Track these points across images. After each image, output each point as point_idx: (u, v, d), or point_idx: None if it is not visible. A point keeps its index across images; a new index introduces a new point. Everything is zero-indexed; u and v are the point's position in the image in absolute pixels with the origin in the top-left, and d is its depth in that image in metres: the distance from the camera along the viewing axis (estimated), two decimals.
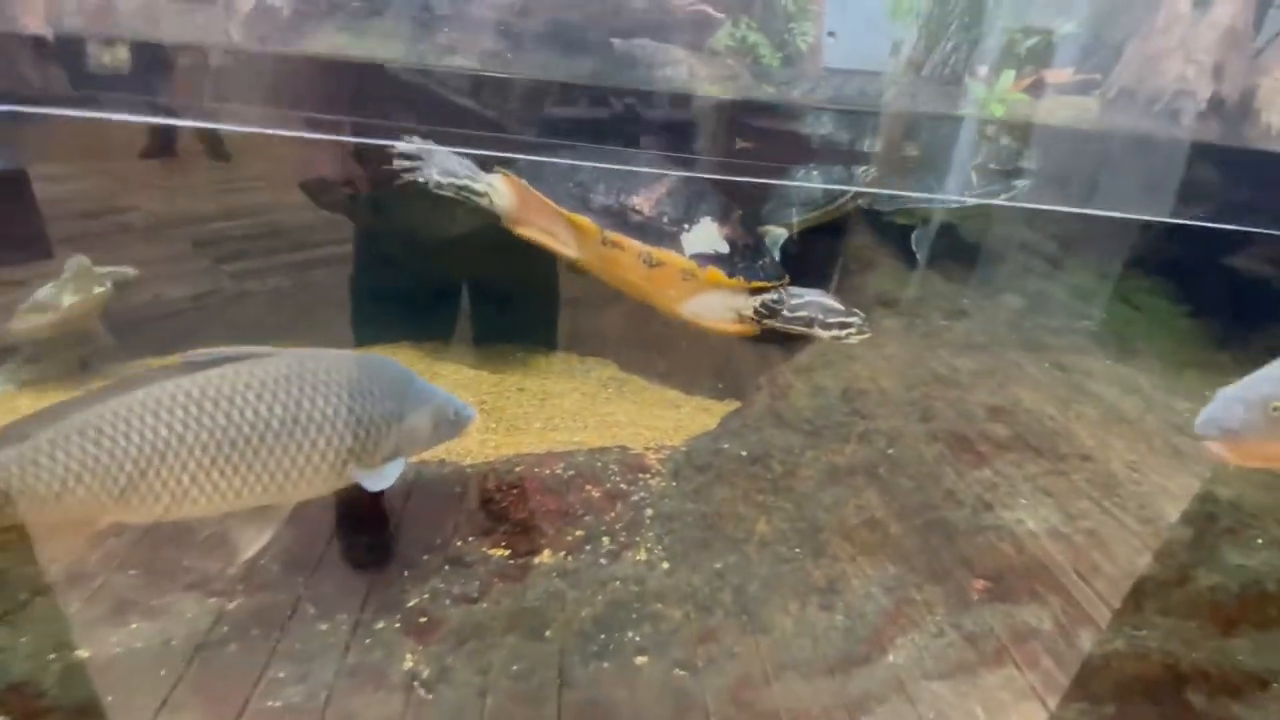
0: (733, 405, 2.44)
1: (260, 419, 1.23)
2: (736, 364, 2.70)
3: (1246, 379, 1.07)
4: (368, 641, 1.51)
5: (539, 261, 2.75)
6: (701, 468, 1.91)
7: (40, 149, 2.41)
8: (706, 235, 1.35)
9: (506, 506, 1.75)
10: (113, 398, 1.19)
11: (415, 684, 1.45)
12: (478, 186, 1.51)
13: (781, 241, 2.23)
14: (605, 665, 1.52)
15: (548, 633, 1.55)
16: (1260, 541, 1.35)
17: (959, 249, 2.58)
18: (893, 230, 2.57)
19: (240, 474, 1.24)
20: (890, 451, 1.76)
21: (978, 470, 1.73)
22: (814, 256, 2.41)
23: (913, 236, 2.48)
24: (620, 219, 1.36)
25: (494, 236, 2.72)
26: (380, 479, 1.36)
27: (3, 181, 2.32)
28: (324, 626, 1.54)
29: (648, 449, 2.06)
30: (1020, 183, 2.44)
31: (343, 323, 2.63)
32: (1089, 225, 2.43)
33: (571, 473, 1.84)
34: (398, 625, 1.55)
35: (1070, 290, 2.43)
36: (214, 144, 2.67)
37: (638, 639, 1.57)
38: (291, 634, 1.51)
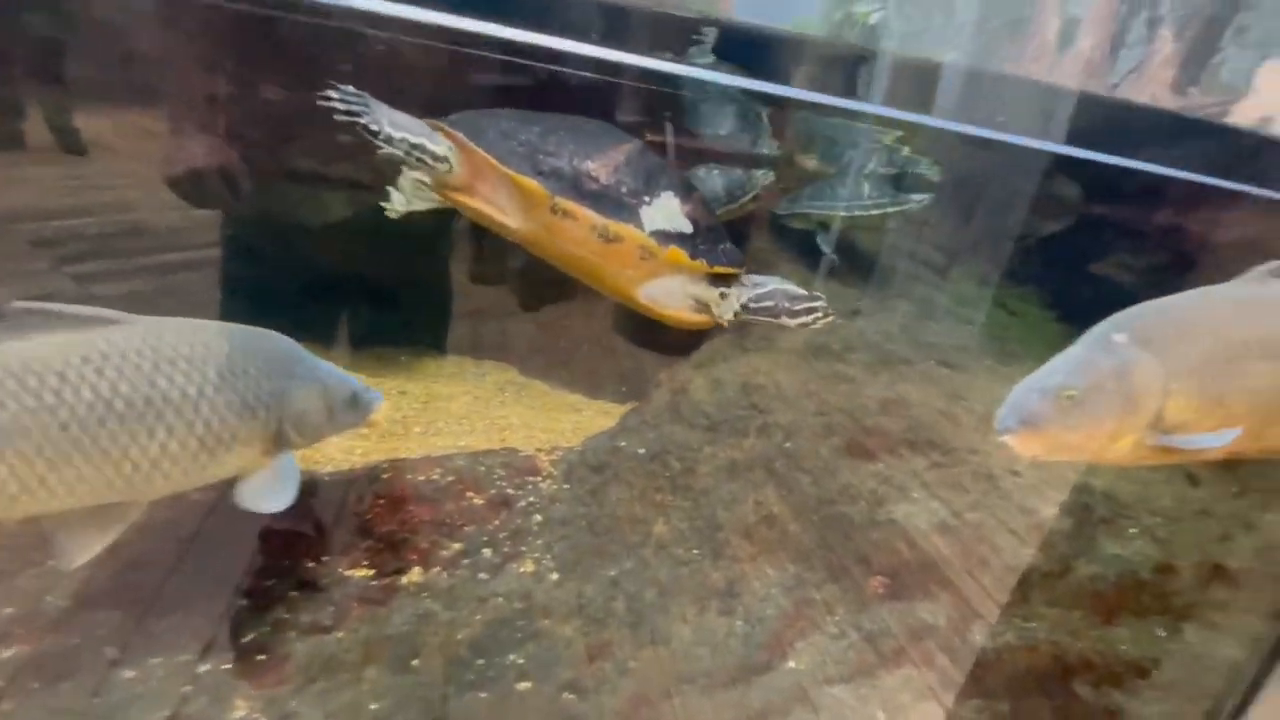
0: (629, 405, 2.33)
1: (99, 399, 1.01)
2: (644, 368, 2.61)
3: (1038, 371, 1.07)
4: (187, 690, 1.24)
5: (429, 256, 2.52)
6: (597, 468, 1.77)
7: None
8: (668, 211, 1.18)
9: (370, 519, 1.52)
10: None
11: None
12: (436, 148, 1.23)
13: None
14: (483, 695, 1.34)
15: (415, 662, 1.35)
16: (1133, 531, 1.40)
17: (853, 254, 2.63)
18: (789, 233, 2.58)
19: (73, 466, 1.00)
20: (787, 445, 1.71)
21: (871, 464, 1.71)
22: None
23: (818, 239, 2.49)
24: (573, 185, 1.15)
25: (374, 225, 2.46)
26: (274, 493, 1.15)
27: None
28: (130, 674, 1.25)
29: (539, 451, 1.89)
30: (917, 196, 2.52)
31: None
32: (971, 236, 2.54)
33: (450, 479, 1.64)
34: (228, 667, 1.28)
35: (954, 296, 2.53)
36: (66, 136, 2.27)
37: (521, 661, 1.40)
38: (85, 686, 1.22)
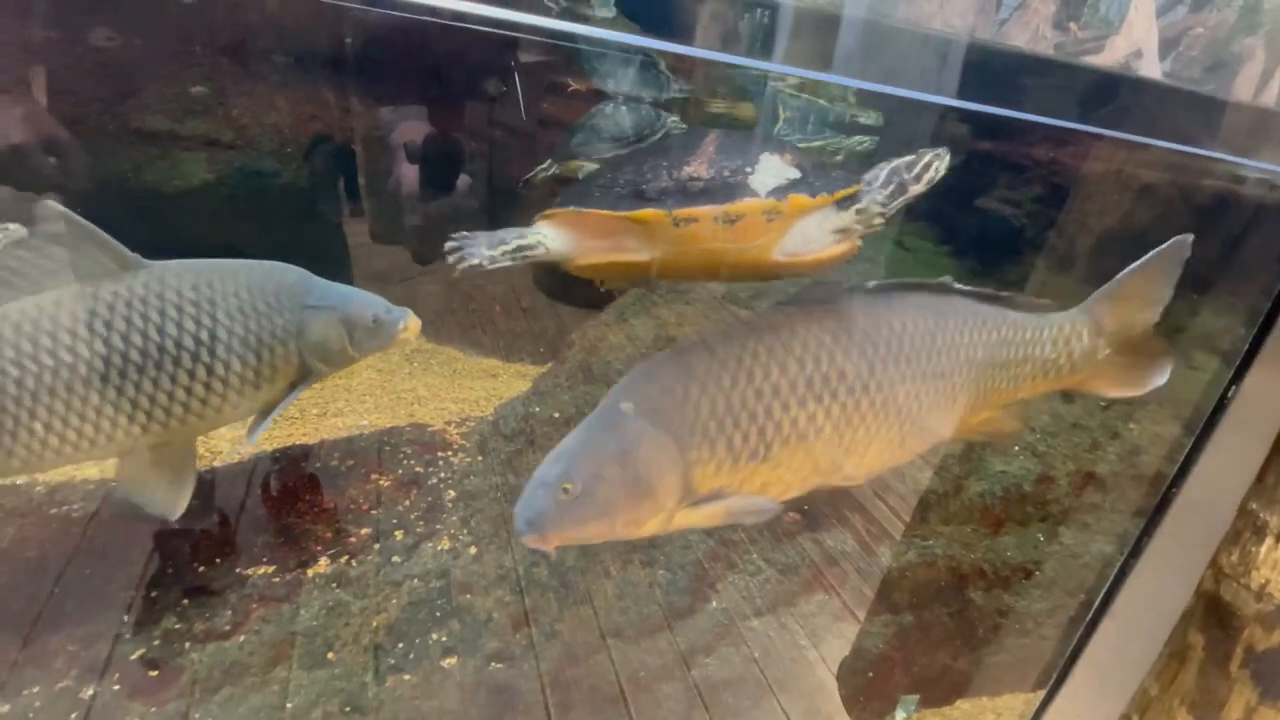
0: (540, 367, 2.28)
1: (116, 351, 1.04)
2: (564, 326, 2.55)
3: (554, 451, 0.91)
4: (71, 717, 1.15)
5: (315, 218, 2.33)
6: (510, 436, 1.74)
7: None
8: (772, 169, 1.18)
9: (265, 514, 1.43)
10: None
11: None
12: (528, 241, 1.18)
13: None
14: (407, 677, 1.32)
15: (330, 655, 1.31)
16: (1016, 449, 1.52)
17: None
18: None
19: (86, 419, 1.04)
20: None
21: None
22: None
23: None
24: (682, 193, 1.14)
25: (242, 188, 2.24)
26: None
27: None
28: (3, 709, 1.15)
29: (449, 424, 1.83)
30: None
31: None
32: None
33: (351, 462, 1.56)
34: (117, 687, 1.20)
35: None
36: None
37: (444, 639, 1.38)
38: None
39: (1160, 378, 1.10)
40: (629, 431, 0.87)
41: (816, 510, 1.73)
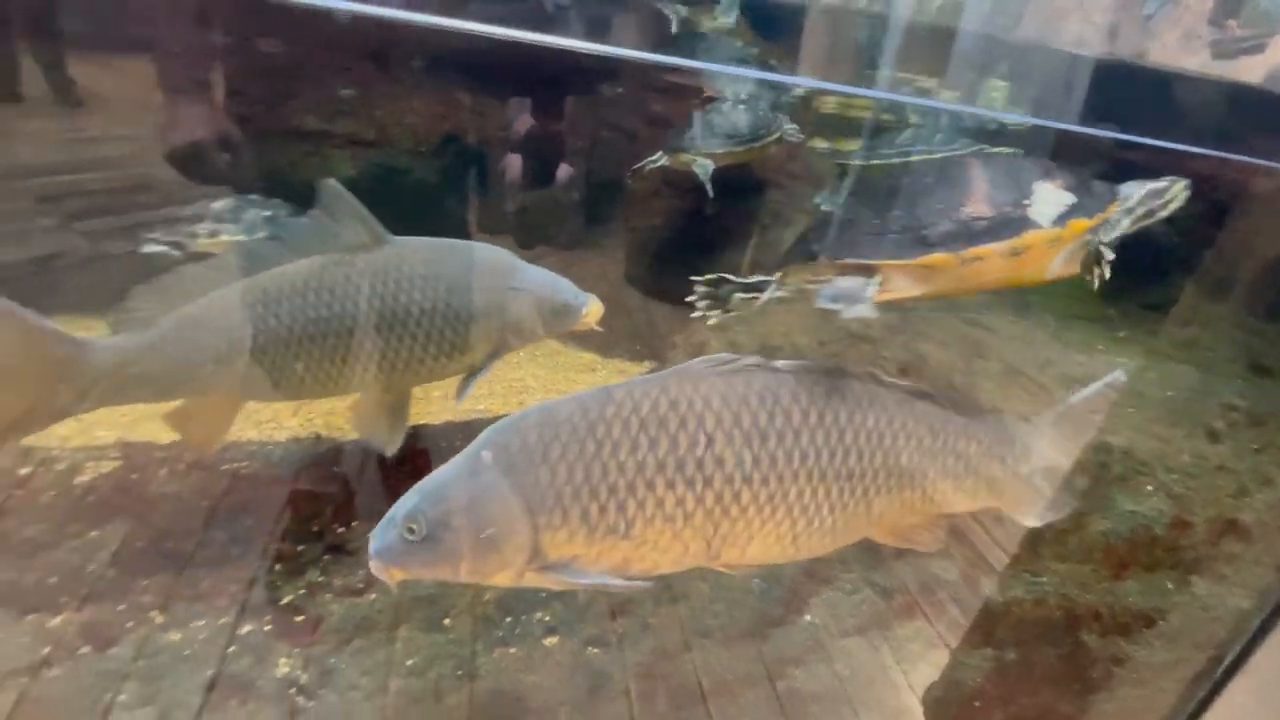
0: (641, 365, 2.36)
1: (355, 310, 1.22)
2: (657, 323, 2.62)
3: (420, 484, 0.86)
4: (231, 649, 1.33)
5: (439, 211, 2.51)
6: None
7: None
8: (1050, 197, 1.22)
9: (397, 485, 1.58)
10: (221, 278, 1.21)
11: (293, 691, 1.29)
12: (869, 291, 1.28)
13: (710, 172, 2.15)
14: (512, 650, 1.43)
15: (446, 621, 1.43)
16: (1150, 489, 1.44)
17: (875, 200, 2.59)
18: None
19: (344, 364, 1.23)
20: None
21: None
22: (732, 200, 2.33)
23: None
24: (966, 234, 1.20)
25: (379, 183, 2.44)
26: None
27: None
28: (175, 636, 1.34)
29: None
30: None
31: None
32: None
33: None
34: (269, 628, 1.37)
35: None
36: (62, 88, 2.25)
37: (547, 619, 1.48)
38: (133, 649, 1.30)
39: (1063, 511, 1.06)
40: (482, 483, 0.82)
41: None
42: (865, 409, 0.93)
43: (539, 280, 1.34)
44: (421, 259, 1.25)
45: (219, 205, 1.87)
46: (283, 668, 1.32)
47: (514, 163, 2.56)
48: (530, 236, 2.64)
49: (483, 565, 0.83)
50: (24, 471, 1.50)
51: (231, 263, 1.23)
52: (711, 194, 2.20)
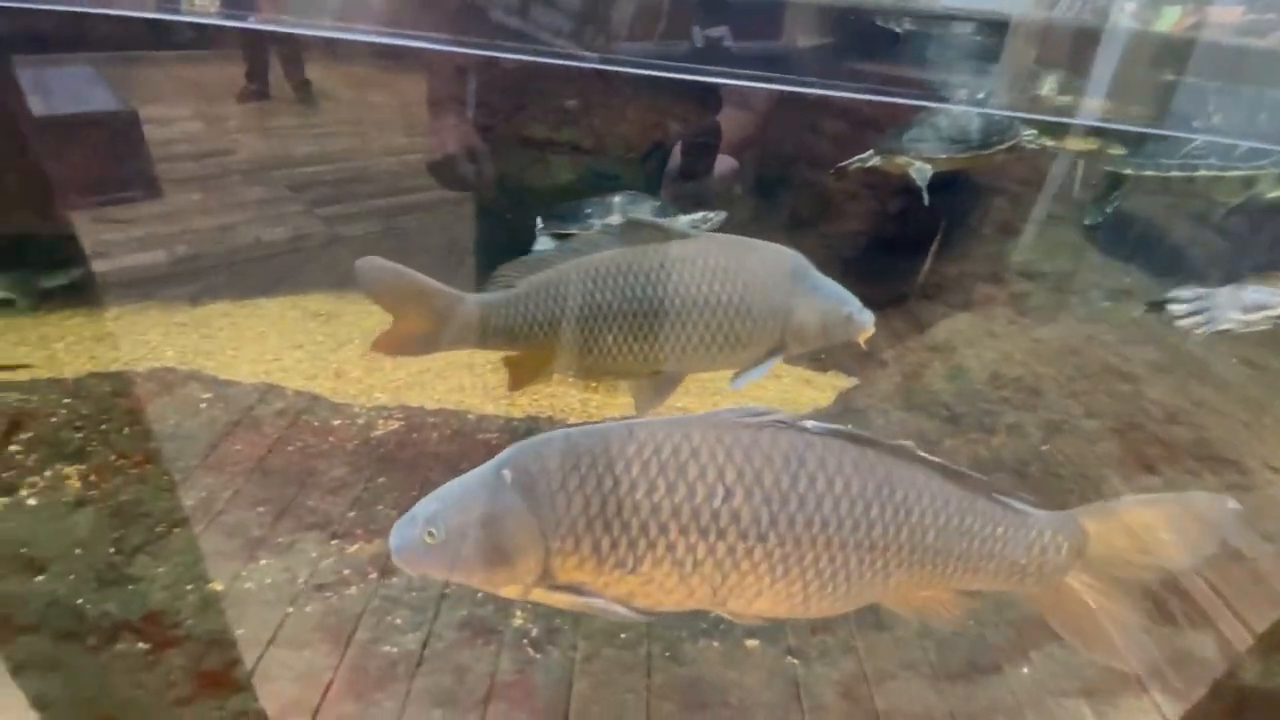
0: (838, 379, 2.31)
1: (661, 295, 1.32)
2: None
3: (442, 488, 0.90)
4: (479, 595, 1.55)
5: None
6: None
7: (148, 90, 2.48)
8: None
9: None
10: (568, 260, 1.36)
11: (524, 642, 1.48)
12: None
13: (928, 176, 2.05)
14: (715, 644, 1.51)
15: None
16: None
17: (1125, 217, 2.30)
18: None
19: (650, 341, 1.33)
20: (1044, 448, 1.61)
21: (1147, 477, 1.56)
22: (949, 206, 2.20)
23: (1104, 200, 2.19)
24: None
25: (591, 188, 2.61)
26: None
27: (116, 122, 2.41)
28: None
29: None
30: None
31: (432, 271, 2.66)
32: None
33: None
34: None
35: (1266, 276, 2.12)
36: (300, 88, 2.70)
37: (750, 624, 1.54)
38: (406, 582, 1.56)
39: (1118, 642, 0.93)
40: (500, 500, 0.86)
41: (1169, 605, 1.53)
42: (893, 483, 0.91)
43: (827, 288, 1.36)
44: (723, 253, 1.32)
45: (617, 199, 2.21)
46: (519, 619, 1.52)
47: (677, 154, 2.63)
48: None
49: (493, 577, 0.89)
50: (335, 423, 1.86)
51: (578, 246, 1.39)
52: (926, 200, 2.08)
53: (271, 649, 1.41)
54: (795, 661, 1.51)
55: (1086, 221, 2.21)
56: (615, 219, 2.11)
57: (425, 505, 0.89)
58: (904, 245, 2.52)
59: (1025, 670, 1.51)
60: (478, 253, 2.65)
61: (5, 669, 1.33)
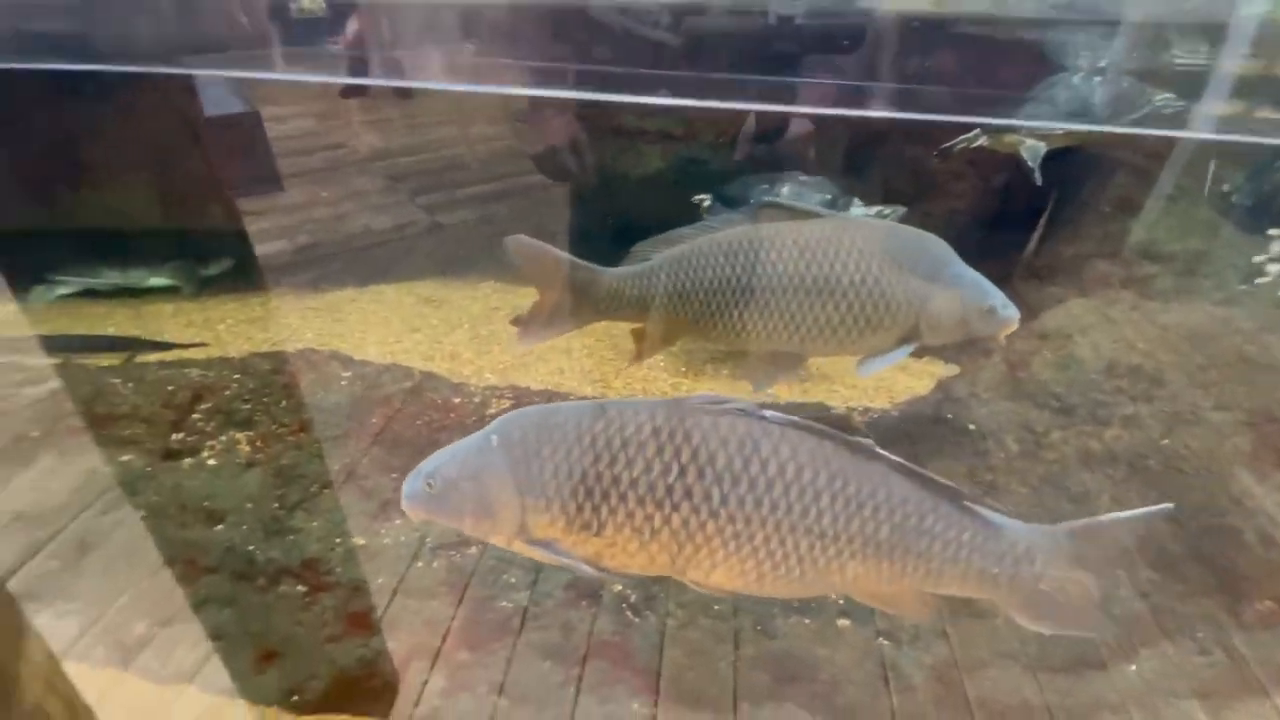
0: (935, 365, 2.26)
1: (797, 274, 1.34)
2: None
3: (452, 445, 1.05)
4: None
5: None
6: (915, 438, 1.81)
7: (264, 90, 2.74)
8: None
9: None
10: (702, 237, 1.41)
11: (624, 607, 1.60)
12: None
13: (1040, 155, 1.95)
14: (807, 622, 1.56)
15: None
16: None
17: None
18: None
19: (776, 318, 1.37)
20: (1165, 442, 1.53)
21: None
22: (1061, 184, 2.08)
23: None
24: None
25: (681, 174, 2.65)
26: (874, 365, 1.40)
27: (243, 122, 2.70)
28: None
29: (850, 409, 1.99)
30: None
31: None
32: None
33: None
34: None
35: None
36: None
37: (841, 603, 1.59)
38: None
39: (1091, 631, 1.04)
40: (486, 461, 1.00)
41: None
42: (846, 476, 0.97)
43: (970, 278, 1.31)
44: (860, 234, 1.30)
45: (786, 185, 2.25)
46: (618, 585, 1.64)
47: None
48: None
49: (479, 526, 1.03)
50: (455, 400, 2.05)
51: (711, 224, 1.41)
52: (1040, 181, 1.97)
53: (400, 598, 1.61)
54: (886, 643, 1.54)
55: (1235, 200, 2.03)
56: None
57: (431, 461, 1.05)
58: (1008, 222, 2.40)
59: (1133, 668, 1.47)
60: (571, 238, 2.78)
61: (188, 604, 1.60)
